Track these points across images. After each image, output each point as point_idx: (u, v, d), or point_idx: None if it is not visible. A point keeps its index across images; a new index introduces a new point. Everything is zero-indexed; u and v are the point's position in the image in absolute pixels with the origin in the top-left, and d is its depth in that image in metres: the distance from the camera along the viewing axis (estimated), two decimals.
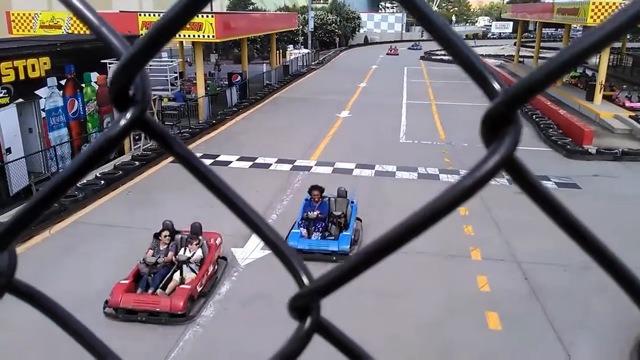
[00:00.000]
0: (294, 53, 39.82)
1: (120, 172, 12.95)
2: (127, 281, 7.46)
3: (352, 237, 9.22)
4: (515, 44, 45.21)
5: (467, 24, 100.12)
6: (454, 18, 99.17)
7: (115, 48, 0.41)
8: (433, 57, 48.99)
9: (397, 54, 51.21)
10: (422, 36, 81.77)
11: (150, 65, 12.21)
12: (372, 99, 25.03)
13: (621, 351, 6.63)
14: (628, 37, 39.81)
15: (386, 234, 0.38)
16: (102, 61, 14.85)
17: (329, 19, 57.47)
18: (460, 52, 0.38)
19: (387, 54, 51.85)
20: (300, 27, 45.34)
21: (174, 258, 7.91)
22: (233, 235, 9.70)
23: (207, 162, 14.22)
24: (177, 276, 7.71)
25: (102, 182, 12.15)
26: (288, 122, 19.82)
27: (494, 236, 9.91)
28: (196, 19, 19.27)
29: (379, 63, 43.87)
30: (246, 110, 21.89)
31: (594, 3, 19.89)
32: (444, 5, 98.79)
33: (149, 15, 20.26)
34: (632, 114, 19.98)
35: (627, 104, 21.10)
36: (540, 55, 35.14)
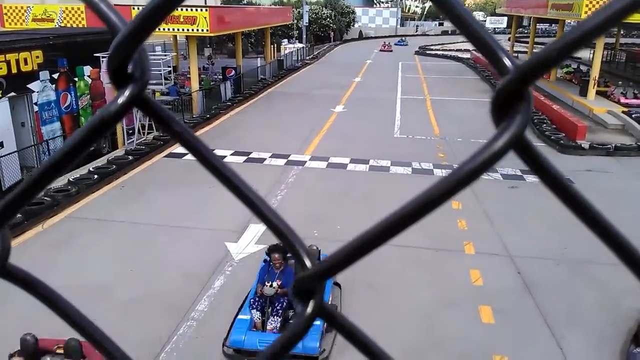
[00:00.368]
0: (289, 47, 39.73)
1: (114, 166, 12.89)
2: None
3: (323, 326, 6.27)
4: (509, 39, 45.26)
5: None
6: None
7: (113, 24, 0.41)
8: (427, 52, 49.02)
9: (391, 50, 49.41)
10: (416, 31, 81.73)
11: None
12: (366, 94, 25.01)
13: (612, 345, 6.70)
14: (622, 32, 39.96)
15: (392, 214, 0.37)
16: (95, 55, 14.75)
17: (324, 14, 57.33)
18: (471, 28, 0.37)
19: (380, 50, 49.62)
20: (295, 21, 45.17)
21: None
22: (227, 230, 9.71)
23: None
24: None
25: (96, 176, 12.09)
26: (282, 117, 19.78)
27: (488, 230, 9.95)
28: (190, 13, 19.18)
29: (374, 58, 43.82)
30: (240, 104, 21.83)
31: None
32: None
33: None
34: (625, 109, 20.08)
35: (623, 100, 21.17)
36: (535, 50, 35.18)
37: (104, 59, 14.87)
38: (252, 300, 6.64)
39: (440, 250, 9.14)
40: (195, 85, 21.18)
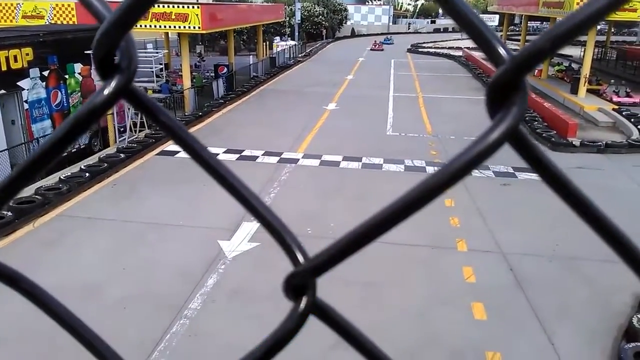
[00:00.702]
0: (281, 45, 39.62)
1: (105, 164, 12.82)
2: None
3: None
4: (501, 37, 45.35)
5: None
6: (440, 11, 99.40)
7: (97, 11, 0.39)
8: (420, 50, 49.10)
9: (382, 49, 48.17)
10: (408, 29, 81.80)
11: None
12: (359, 92, 25.02)
13: (603, 340, 6.76)
14: (612, 30, 40.21)
15: (386, 207, 0.37)
16: (85, 52, 14.66)
17: (316, 11, 57.26)
18: (466, 17, 0.36)
19: (371, 49, 48.18)
20: (287, 19, 45.11)
21: None
22: (220, 228, 9.69)
23: None
24: None
25: (87, 174, 12.01)
26: (275, 115, 19.75)
27: (480, 228, 9.99)
28: (182, 10, 19.09)
29: (366, 55, 43.83)
30: (233, 102, 21.76)
31: None
32: None
33: None
34: (616, 107, 20.22)
35: (615, 99, 21.28)
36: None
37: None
38: None
39: (433, 248, 9.17)
40: (187, 82, 21.10)
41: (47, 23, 19.64)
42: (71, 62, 15.04)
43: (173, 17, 19.11)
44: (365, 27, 74.55)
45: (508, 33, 41.51)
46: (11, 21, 20.00)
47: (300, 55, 40.77)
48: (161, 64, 17.93)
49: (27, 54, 13.34)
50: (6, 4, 20.29)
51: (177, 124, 0.42)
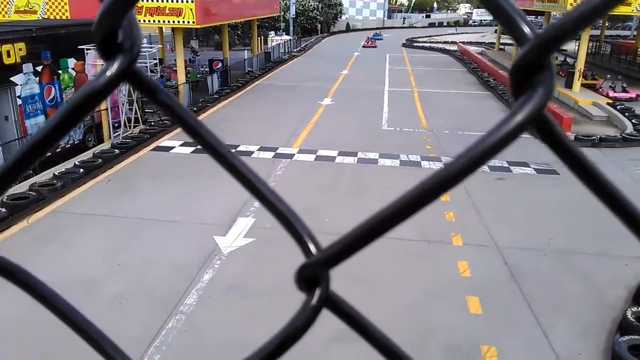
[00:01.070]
0: (276, 40, 39.52)
1: (100, 160, 12.76)
2: None
3: None
4: (496, 32, 45.42)
5: (449, 11, 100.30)
6: (435, 5, 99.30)
7: None
8: (415, 44, 49.07)
9: (375, 46, 46.34)
10: (403, 23, 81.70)
11: None
12: (354, 86, 25.00)
13: (598, 333, 6.81)
14: (606, 24, 40.27)
15: (403, 196, 0.35)
16: (79, 47, 14.56)
17: (311, 6, 57.09)
18: None
19: (363, 46, 46.30)
20: (282, 13, 44.93)
21: None
22: (215, 224, 9.68)
23: (188, 150, 14.13)
24: None
25: (81, 170, 11.96)
26: (270, 110, 19.71)
27: (475, 222, 10.03)
28: (176, 4, 18.99)
29: (361, 50, 43.76)
30: (227, 97, 21.71)
31: None
32: None
33: None
34: (610, 101, 20.27)
35: (611, 94, 21.27)
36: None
37: (88, 52, 14.69)
38: None
39: (429, 242, 9.19)
40: (181, 77, 21.01)
41: (40, 18, 19.48)
42: (65, 58, 14.94)
43: (167, 11, 19.00)
44: (360, 21, 74.42)
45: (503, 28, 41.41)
46: (4, 16, 19.83)
47: (295, 50, 40.67)
48: (155, 59, 17.84)
49: (20, 49, 13.24)
50: None
51: (184, 109, 0.41)
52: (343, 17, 68.71)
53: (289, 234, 0.41)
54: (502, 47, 39.84)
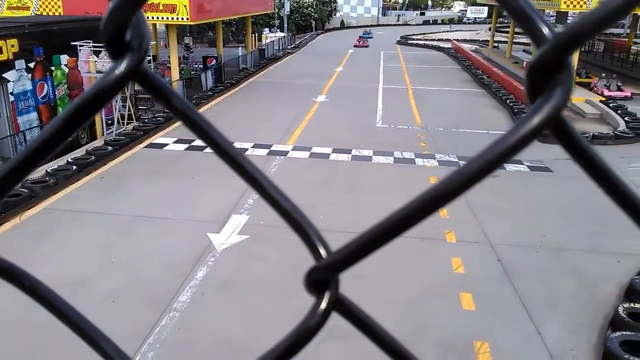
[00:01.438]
0: (270, 36, 39.41)
1: (93, 157, 12.70)
2: None
3: None
4: (490, 29, 45.51)
5: (443, 9, 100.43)
6: (429, 2, 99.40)
7: None
8: (409, 42, 49.09)
9: (367, 46, 44.14)
10: (398, 20, 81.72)
11: None
12: (348, 83, 24.99)
13: (590, 329, 6.85)
14: None
15: (416, 199, 0.34)
16: (72, 43, 14.48)
17: (305, 2, 57.00)
18: None
19: (354, 45, 44.14)
20: (276, 10, 44.85)
21: None
22: (209, 221, 9.67)
23: (182, 147, 14.10)
24: None
25: (74, 167, 11.90)
26: (264, 107, 19.68)
27: (469, 219, 10.06)
28: (170, 1, 18.90)
29: (355, 47, 43.73)
30: (221, 94, 21.65)
31: None
32: None
33: None
34: (603, 98, 20.35)
35: (606, 93, 21.29)
36: (515, 40, 35.48)
37: (81, 48, 14.61)
38: None
39: (422, 239, 9.21)
40: (175, 74, 20.93)
41: (33, 14, 19.35)
42: (57, 54, 14.85)
43: (161, 8, 18.91)
44: (354, 18, 74.36)
45: (497, 25, 41.62)
46: None
47: (289, 47, 40.60)
48: (149, 56, 17.76)
49: (13, 46, 13.15)
50: None
51: (194, 110, 0.40)
52: (337, 14, 68.67)
53: (297, 235, 0.41)
54: (496, 44, 39.93)
